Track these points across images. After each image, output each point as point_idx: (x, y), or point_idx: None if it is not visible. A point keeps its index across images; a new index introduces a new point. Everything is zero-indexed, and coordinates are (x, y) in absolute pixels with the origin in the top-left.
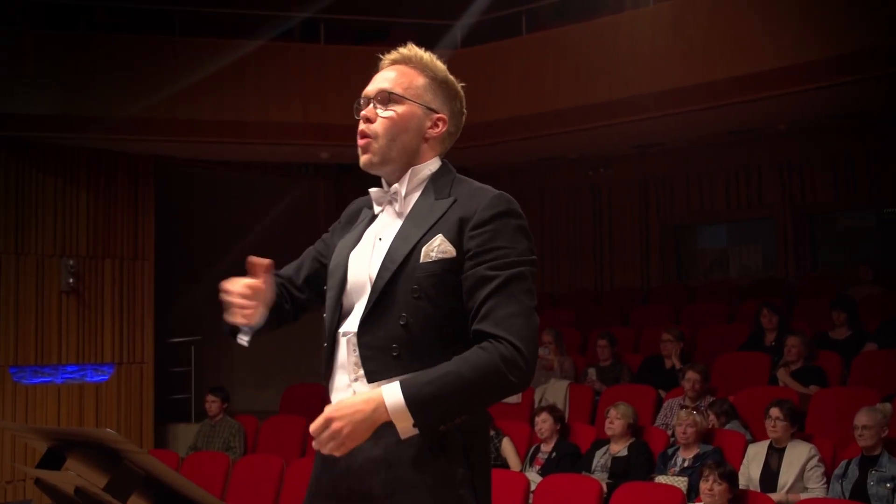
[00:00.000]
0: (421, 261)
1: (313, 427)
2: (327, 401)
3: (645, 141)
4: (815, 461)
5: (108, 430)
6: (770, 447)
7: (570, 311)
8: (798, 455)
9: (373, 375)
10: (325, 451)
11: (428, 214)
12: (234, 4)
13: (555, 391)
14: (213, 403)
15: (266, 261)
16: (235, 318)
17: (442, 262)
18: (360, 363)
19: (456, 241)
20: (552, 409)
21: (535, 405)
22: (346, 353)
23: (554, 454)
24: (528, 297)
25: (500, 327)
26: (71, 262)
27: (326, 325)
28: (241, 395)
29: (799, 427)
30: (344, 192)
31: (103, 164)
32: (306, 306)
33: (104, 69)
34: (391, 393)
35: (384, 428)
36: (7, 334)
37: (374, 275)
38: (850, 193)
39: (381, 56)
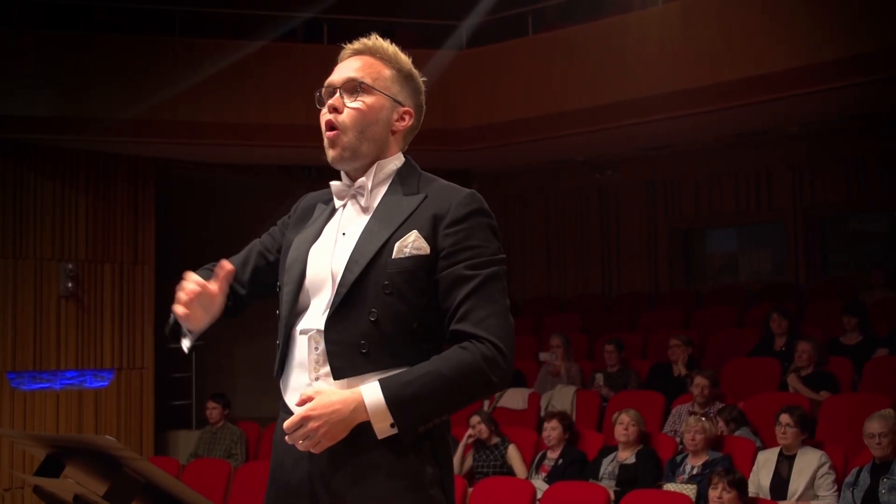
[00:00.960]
0: (393, 256)
1: (288, 424)
2: (282, 401)
3: (653, 143)
4: (825, 468)
5: (108, 436)
6: (780, 454)
7: (576, 316)
8: (809, 462)
9: (340, 372)
10: (300, 448)
11: (397, 210)
12: (236, 4)
13: (561, 397)
14: (213, 410)
15: (230, 268)
16: (176, 309)
17: (415, 259)
18: (322, 360)
19: (430, 238)
20: (562, 417)
21: (542, 411)
22: (305, 351)
23: (561, 461)
24: (503, 297)
25: (479, 327)
26: (70, 266)
27: (281, 323)
28: (242, 402)
29: (809, 434)
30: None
31: (103, 167)
32: (245, 303)
33: (104, 70)
34: (371, 393)
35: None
36: (5, 339)
37: (337, 270)
38: (861, 196)
39: (344, 45)
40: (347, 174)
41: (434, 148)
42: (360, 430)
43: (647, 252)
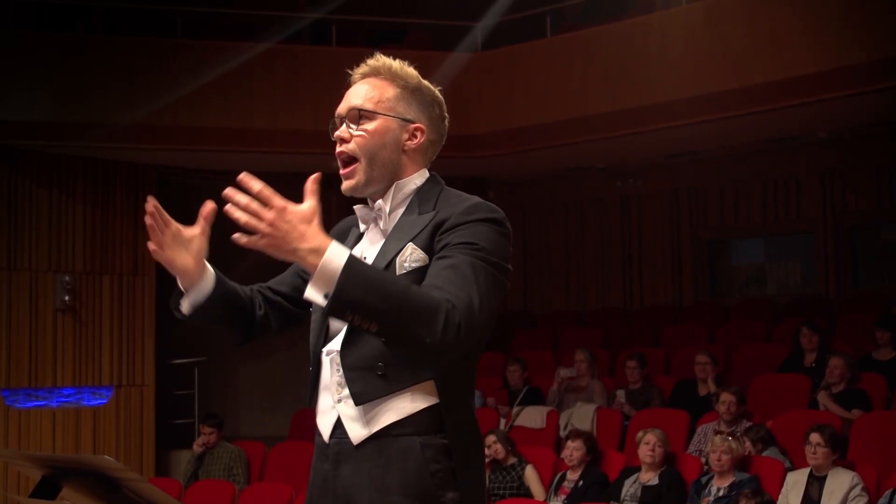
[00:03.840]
0: (397, 273)
1: (264, 190)
2: (314, 425)
3: (677, 150)
4: (857, 490)
5: (107, 456)
6: (810, 475)
7: (597, 330)
8: (840, 484)
9: (360, 397)
10: (235, 217)
11: (409, 229)
12: (240, 5)
13: (581, 415)
14: (210, 436)
15: (212, 206)
16: (149, 245)
17: (416, 272)
18: (343, 383)
19: (428, 247)
20: (587, 437)
21: (561, 430)
22: (329, 373)
23: (581, 483)
24: (493, 287)
25: (452, 294)
26: (67, 278)
27: (311, 347)
28: (247, 420)
29: (841, 454)
30: (356, 203)
31: (101, 174)
32: (285, 323)
33: (102, 73)
34: (336, 251)
35: (370, 452)
36: None
37: None
38: (894, 205)
39: (351, 72)
40: (370, 198)
41: (447, 155)
42: (371, 454)
43: (671, 263)
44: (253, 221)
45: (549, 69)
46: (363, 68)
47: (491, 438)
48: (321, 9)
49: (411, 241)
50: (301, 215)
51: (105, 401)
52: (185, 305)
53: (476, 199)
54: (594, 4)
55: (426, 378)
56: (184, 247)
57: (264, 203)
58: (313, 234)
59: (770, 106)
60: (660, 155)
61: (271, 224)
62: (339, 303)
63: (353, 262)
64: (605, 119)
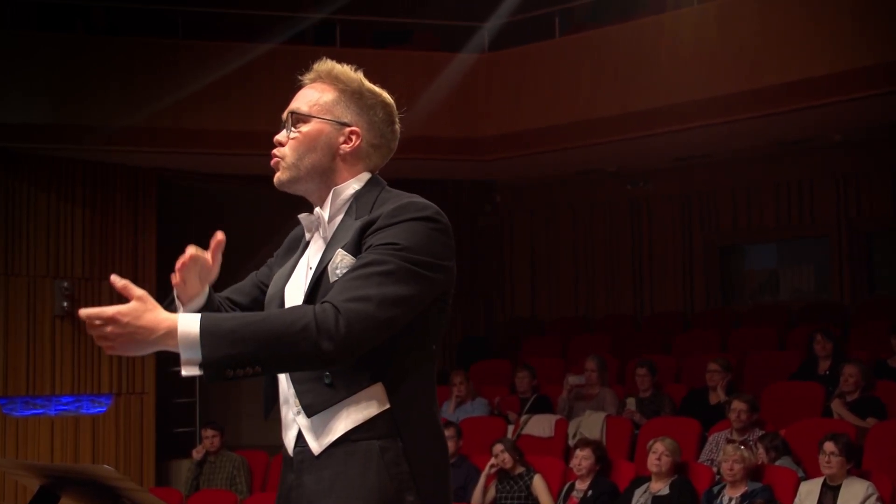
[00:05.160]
0: (330, 281)
1: (88, 313)
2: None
3: (688, 153)
4: (872, 500)
5: (106, 466)
6: (824, 485)
7: (606, 337)
8: (854, 494)
9: (311, 409)
10: (96, 340)
11: (343, 235)
12: (242, 4)
13: (590, 424)
14: (214, 439)
15: (221, 237)
16: (172, 277)
17: None
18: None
19: (355, 250)
20: (596, 446)
21: (570, 439)
22: (286, 386)
23: (590, 493)
24: (387, 288)
25: (335, 297)
26: (65, 284)
27: None
28: (249, 429)
29: (855, 463)
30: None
31: (101, 178)
32: None
33: (102, 74)
34: (188, 322)
35: (330, 459)
36: None
37: None
38: None
39: (300, 76)
40: (311, 204)
41: (454, 158)
42: (329, 460)
43: (682, 269)
44: (102, 343)
45: (558, 70)
46: (311, 74)
47: (498, 447)
48: (325, 8)
49: (341, 247)
50: (135, 312)
51: (104, 409)
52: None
53: (409, 198)
54: (604, 4)
55: (372, 382)
56: (199, 276)
57: (104, 323)
58: (158, 320)
59: (783, 108)
60: (671, 158)
61: (115, 336)
62: (213, 368)
63: (206, 324)
64: (614, 121)
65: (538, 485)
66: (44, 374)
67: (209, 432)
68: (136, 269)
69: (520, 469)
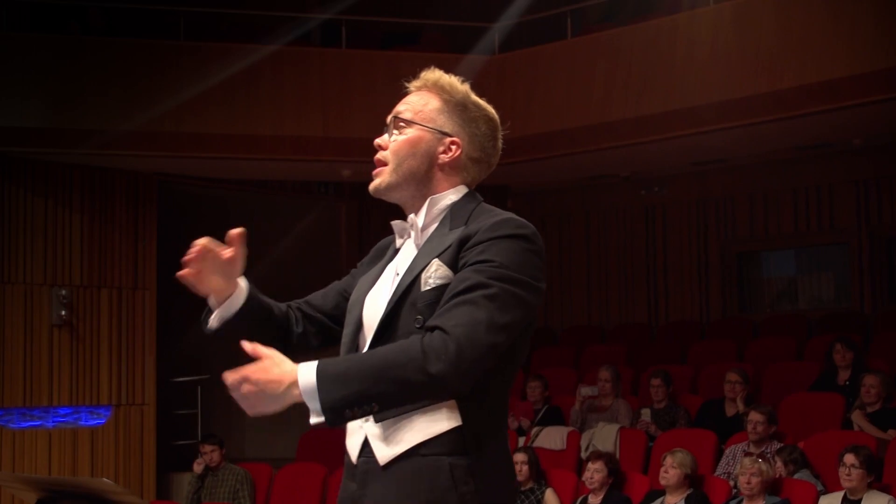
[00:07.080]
0: (422, 290)
1: (230, 378)
2: (342, 445)
3: (704, 157)
4: None
5: (105, 479)
6: (844, 498)
7: (620, 346)
8: None
9: (380, 415)
10: (239, 403)
11: (438, 244)
12: (246, 5)
13: (604, 436)
14: (213, 453)
15: (239, 230)
16: (183, 272)
17: (441, 289)
18: None
19: (453, 263)
20: (609, 459)
21: (582, 451)
22: None
23: None
24: (494, 311)
25: (441, 320)
26: (63, 292)
27: None
28: (253, 442)
29: (876, 476)
30: (367, 213)
31: (99, 183)
32: (325, 340)
33: (100, 77)
34: (306, 371)
35: (397, 472)
36: None
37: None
38: None
39: (407, 85)
40: (406, 212)
41: None
42: (376, 476)
43: (698, 277)
44: (244, 402)
45: (570, 72)
46: (418, 81)
47: (520, 457)
48: (331, 9)
49: (437, 257)
50: (263, 366)
51: (103, 420)
52: (214, 320)
53: (506, 215)
54: (617, 4)
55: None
56: (220, 272)
57: (237, 385)
58: (284, 372)
59: (802, 111)
60: (686, 162)
61: (248, 394)
62: (332, 412)
63: (321, 370)
64: (628, 125)
65: (550, 499)
66: (41, 385)
67: (207, 447)
68: (136, 276)
69: (531, 482)
